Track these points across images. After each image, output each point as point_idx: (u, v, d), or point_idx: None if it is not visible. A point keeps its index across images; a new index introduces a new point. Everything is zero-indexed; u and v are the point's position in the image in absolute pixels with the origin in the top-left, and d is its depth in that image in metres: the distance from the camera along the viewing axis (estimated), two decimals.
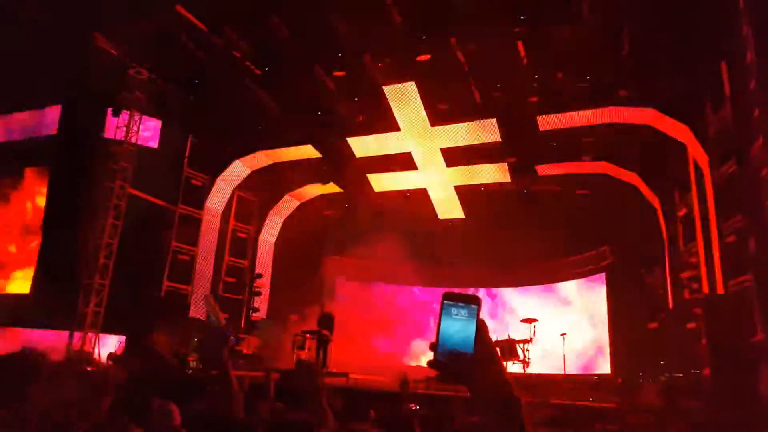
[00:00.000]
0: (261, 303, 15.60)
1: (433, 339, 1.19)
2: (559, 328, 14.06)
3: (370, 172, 15.18)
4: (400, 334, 17.53)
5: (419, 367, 15.45)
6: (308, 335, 13.14)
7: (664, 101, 10.51)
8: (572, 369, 13.66)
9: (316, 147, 14.36)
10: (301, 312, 15.07)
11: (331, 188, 16.09)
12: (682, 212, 11.70)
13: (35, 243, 13.87)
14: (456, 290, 1.24)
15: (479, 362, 1.16)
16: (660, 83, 10.51)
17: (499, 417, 1.14)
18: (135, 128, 13.18)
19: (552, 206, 14.81)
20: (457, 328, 1.19)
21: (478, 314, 1.20)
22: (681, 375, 10.27)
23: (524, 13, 9.86)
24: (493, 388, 1.15)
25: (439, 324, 1.20)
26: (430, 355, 1.19)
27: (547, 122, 11.89)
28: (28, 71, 13.24)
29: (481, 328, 1.19)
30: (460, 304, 1.21)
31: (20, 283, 13.85)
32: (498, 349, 1.19)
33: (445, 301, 1.21)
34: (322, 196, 16.76)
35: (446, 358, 1.17)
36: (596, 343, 14.92)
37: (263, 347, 14.70)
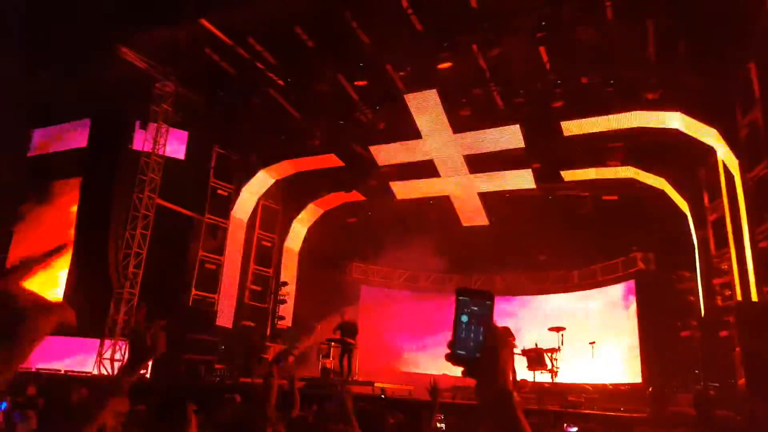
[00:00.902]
0: (286, 311, 15.69)
1: (450, 335, 1.22)
2: (588, 336, 13.82)
3: (393, 180, 15.19)
4: (426, 342, 17.45)
5: (445, 375, 15.33)
6: (333, 343, 13.17)
7: (692, 104, 10.32)
8: (601, 378, 13.41)
9: (339, 155, 14.44)
10: (326, 320, 15.14)
11: (354, 196, 16.14)
12: (712, 217, 11.44)
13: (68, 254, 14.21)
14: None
15: (484, 367, 1.18)
16: (687, 86, 10.33)
17: (496, 417, 1.15)
18: (162, 140, 13.42)
19: (579, 212, 14.61)
20: (472, 323, 1.21)
21: (491, 309, 1.21)
22: (716, 384, 9.98)
23: (546, 18, 9.78)
24: (494, 391, 1.17)
25: (454, 320, 1.22)
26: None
27: (572, 127, 11.75)
28: (59, 85, 13.61)
29: (491, 332, 1.20)
30: (474, 299, 1.22)
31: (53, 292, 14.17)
32: (514, 353, 1.23)
33: (460, 297, 1.23)
34: (346, 204, 16.81)
35: (460, 357, 1.19)
36: (626, 352, 14.62)
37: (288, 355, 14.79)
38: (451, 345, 1.20)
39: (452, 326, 1.21)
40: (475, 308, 1.21)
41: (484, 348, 1.18)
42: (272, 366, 3.30)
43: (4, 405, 7.87)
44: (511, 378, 1.19)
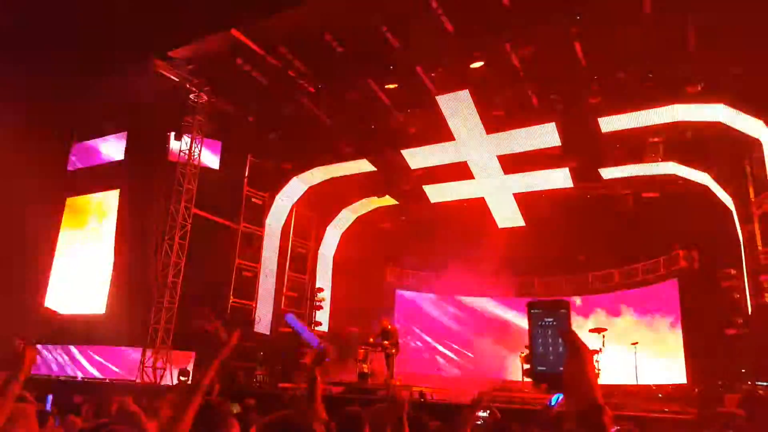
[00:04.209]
0: (322, 316, 15.74)
1: (526, 350, 1.19)
2: (630, 337, 13.51)
3: (426, 184, 15.08)
4: (462, 345, 17.31)
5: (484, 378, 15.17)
6: (371, 348, 13.13)
7: (735, 96, 9.98)
8: (645, 379, 13.06)
9: (371, 160, 14.43)
10: (363, 324, 15.11)
11: (388, 201, 16.11)
12: (759, 211, 11.06)
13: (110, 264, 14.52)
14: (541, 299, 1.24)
15: (570, 380, 1.14)
16: (730, 77, 9.99)
17: (583, 427, 1.12)
18: (197, 150, 13.62)
19: (619, 210, 14.27)
20: (548, 335, 1.17)
21: (568, 318, 1.17)
22: (764, 384, 9.64)
23: (580, 13, 9.59)
24: (581, 400, 1.13)
25: (530, 334, 1.18)
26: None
27: (610, 123, 11.50)
28: (95, 100, 13.95)
29: (571, 341, 1.16)
30: (547, 310, 1.18)
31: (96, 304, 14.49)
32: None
33: (532, 311, 1.19)
34: (379, 209, 16.79)
35: (541, 374, 1.16)
36: (670, 352, 14.22)
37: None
38: (530, 361, 1.16)
39: (528, 342, 1.17)
40: (550, 319, 1.16)
41: (566, 360, 1.12)
42: (314, 368, 3.25)
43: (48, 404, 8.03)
44: (598, 389, 1.13)
